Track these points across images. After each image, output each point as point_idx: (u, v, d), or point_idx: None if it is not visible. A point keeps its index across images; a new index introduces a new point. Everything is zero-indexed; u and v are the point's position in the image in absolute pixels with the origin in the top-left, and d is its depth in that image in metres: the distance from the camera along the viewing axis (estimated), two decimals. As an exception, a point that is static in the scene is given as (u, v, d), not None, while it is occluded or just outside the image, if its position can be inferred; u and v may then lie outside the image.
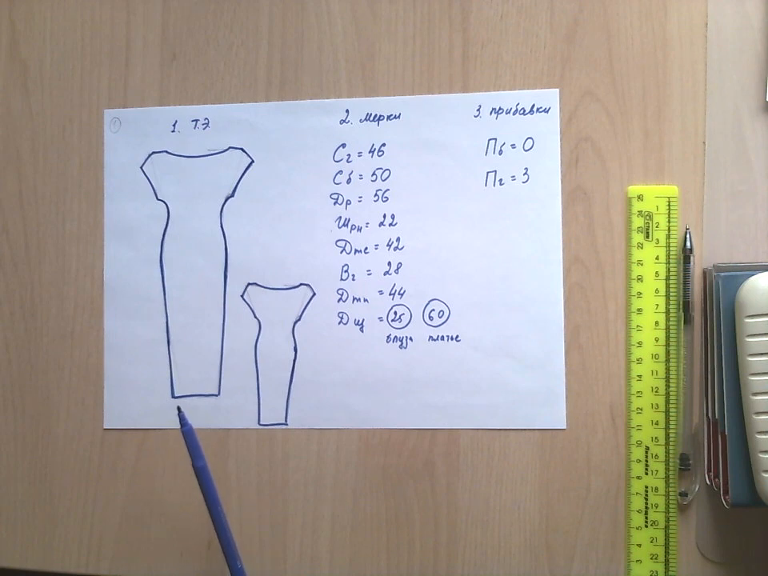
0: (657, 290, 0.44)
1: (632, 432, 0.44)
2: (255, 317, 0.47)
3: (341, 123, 0.47)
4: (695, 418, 0.44)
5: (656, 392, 0.44)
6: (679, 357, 0.44)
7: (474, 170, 0.46)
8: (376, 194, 0.47)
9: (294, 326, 0.47)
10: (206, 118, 0.48)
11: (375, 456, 0.46)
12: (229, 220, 0.48)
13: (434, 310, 0.46)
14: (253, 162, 0.48)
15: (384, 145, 0.47)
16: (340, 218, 0.47)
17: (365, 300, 0.47)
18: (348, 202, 0.47)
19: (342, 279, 0.47)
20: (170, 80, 0.48)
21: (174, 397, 0.48)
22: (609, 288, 0.45)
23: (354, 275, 0.47)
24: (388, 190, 0.47)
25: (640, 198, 0.45)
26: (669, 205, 0.44)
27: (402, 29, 0.47)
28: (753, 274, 0.40)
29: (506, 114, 0.46)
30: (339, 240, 0.47)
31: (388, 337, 0.46)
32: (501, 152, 0.46)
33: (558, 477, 0.45)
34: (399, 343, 0.46)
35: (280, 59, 0.48)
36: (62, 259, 0.49)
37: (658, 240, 0.44)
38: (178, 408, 0.43)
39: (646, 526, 0.44)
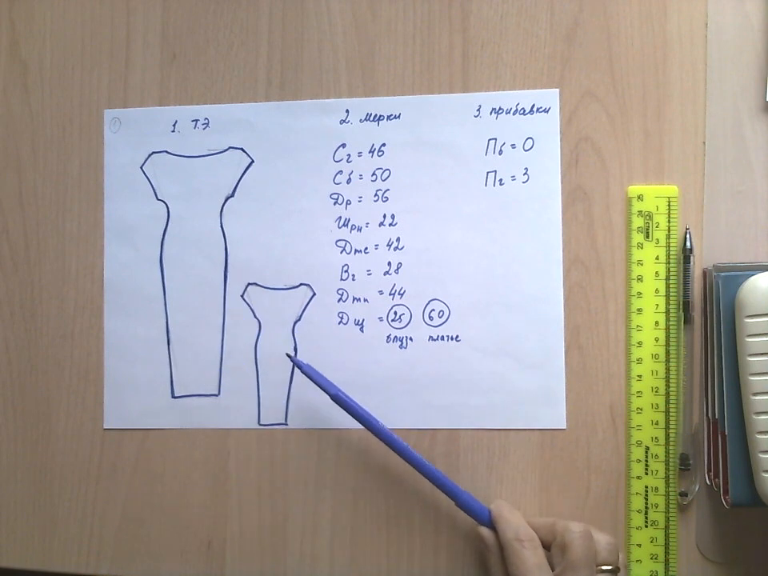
0: (657, 290, 0.44)
1: (632, 432, 0.44)
2: (255, 317, 0.47)
3: (341, 123, 0.47)
4: (695, 418, 0.44)
5: (656, 392, 0.44)
6: (679, 357, 0.44)
7: (474, 170, 0.46)
8: (376, 194, 0.47)
9: (293, 326, 0.47)
10: (206, 118, 0.48)
11: (375, 456, 0.46)
12: (229, 220, 0.48)
13: (434, 310, 0.46)
14: (253, 161, 0.48)
15: (384, 145, 0.47)
16: (340, 218, 0.47)
17: (365, 300, 0.47)
18: (348, 202, 0.47)
19: (342, 279, 0.47)
20: (170, 80, 0.48)
21: (174, 397, 0.48)
22: (609, 288, 0.45)
23: (354, 275, 0.47)
24: (388, 190, 0.47)
25: (640, 198, 0.45)
26: (669, 205, 0.44)
27: (402, 29, 0.47)
28: (753, 274, 0.40)
29: (506, 114, 0.46)
30: (339, 240, 0.47)
31: (388, 337, 0.46)
32: (501, 152, 0.46)
33: (558, 477, 0.45)
34: (399, 343, 0.46)
35: (280, 59, 0.48)
36: (61, 259, 0.49)
37: (658, 240, 0.44)
38: (288, 354, 0.46)
39: (646, 526, 0.44)
